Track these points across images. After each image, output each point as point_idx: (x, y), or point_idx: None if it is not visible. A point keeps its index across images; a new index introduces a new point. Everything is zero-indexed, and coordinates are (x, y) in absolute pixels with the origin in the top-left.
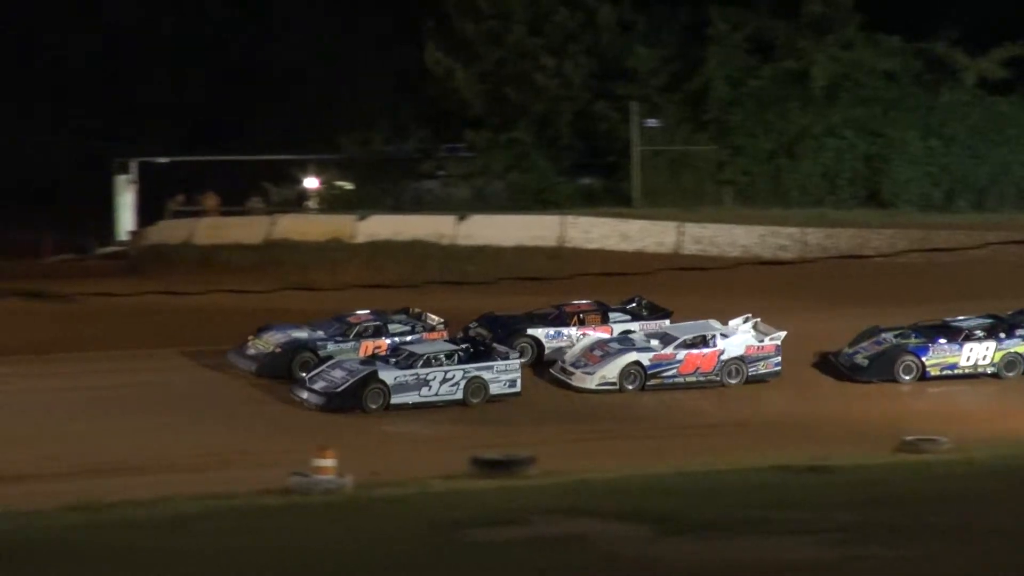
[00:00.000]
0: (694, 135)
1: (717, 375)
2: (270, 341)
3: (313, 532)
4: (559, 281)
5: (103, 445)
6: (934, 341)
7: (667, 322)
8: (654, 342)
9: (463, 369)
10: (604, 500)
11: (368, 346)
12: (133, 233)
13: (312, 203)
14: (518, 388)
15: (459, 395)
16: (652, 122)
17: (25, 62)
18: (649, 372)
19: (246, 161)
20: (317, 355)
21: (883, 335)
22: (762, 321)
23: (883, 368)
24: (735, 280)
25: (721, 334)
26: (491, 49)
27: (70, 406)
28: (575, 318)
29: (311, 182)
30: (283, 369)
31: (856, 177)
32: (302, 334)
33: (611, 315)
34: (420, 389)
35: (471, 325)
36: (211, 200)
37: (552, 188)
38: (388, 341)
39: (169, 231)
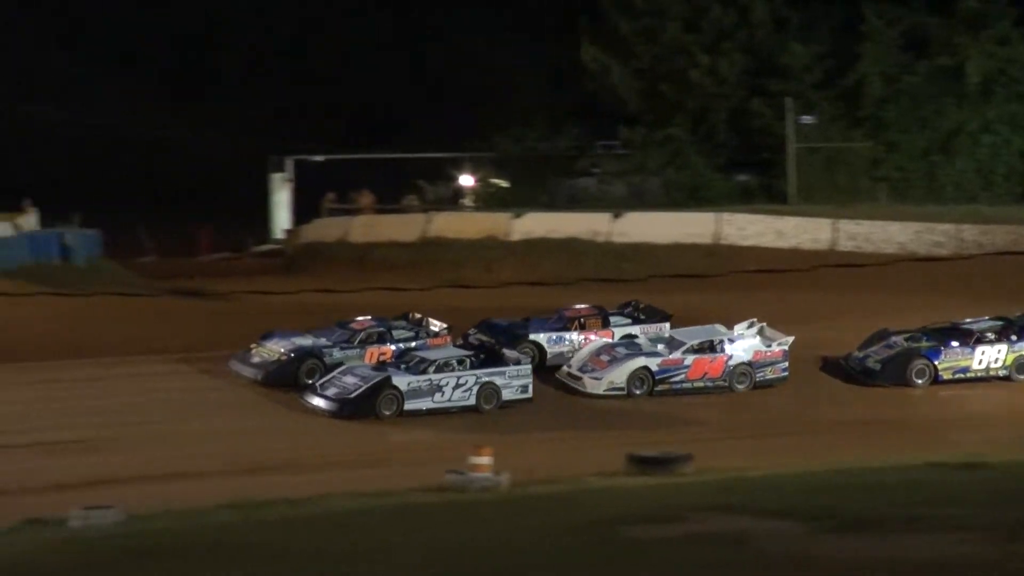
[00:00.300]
0: (848, 132)
1: (725, 380)
2: (275, 349)
3: (471, 529)
4: (715, 278)
5: (257, 442)
6: (946, 344)
7: (667, 326)
8: (660, 347)
9: (475, 375)
10: (760, 497)
11: (373, 353)
12: (288, 231)
13: (467, 201)
14: (530, 394)
15: (471, 401)
16: (807, 119)
17: (183, 61)
18: (657, 377)
19: (401, 159)
20: (323, 362)
21: (893, 338)
22: (782, 324)
23: (895, 372)
24: (891, 277)
25: (728, 339)
26: (646, 46)
27: (224, 404)
28: (576, 323)
29: (466, 180)
30: (290, 377)
31: (1011, 173)
32: (306, 341)
33: (611, 319)
34: (433, 395)
35: (471, 331)
36: (366, 198)
37: (707, 185)
38: (393, 347)
39: (324, 229)
